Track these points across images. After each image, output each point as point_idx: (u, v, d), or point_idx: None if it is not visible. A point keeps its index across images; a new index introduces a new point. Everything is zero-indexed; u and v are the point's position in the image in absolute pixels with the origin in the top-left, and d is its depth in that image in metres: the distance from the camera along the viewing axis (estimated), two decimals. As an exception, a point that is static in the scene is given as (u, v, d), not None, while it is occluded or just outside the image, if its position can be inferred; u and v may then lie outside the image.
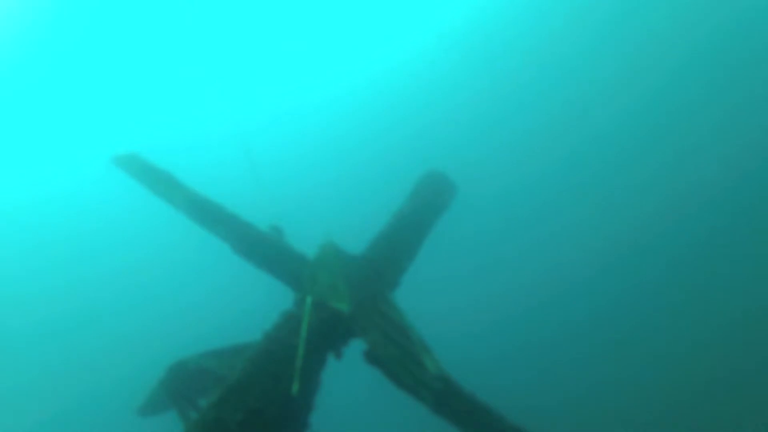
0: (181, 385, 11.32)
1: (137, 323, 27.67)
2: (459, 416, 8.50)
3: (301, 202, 30.36)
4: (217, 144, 34.93)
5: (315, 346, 8.18)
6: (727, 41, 33.15)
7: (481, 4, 38.50)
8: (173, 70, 42.27)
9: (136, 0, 41.82)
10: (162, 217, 12.99)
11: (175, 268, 29.41)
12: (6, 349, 26.23)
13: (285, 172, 33.54)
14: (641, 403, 24.53)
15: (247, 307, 18.97)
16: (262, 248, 10.49)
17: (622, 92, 34.38)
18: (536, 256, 31.08)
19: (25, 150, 37.74)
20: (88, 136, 37.63)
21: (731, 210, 29.50)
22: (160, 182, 11.70)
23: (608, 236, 30.83)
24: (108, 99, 40.73)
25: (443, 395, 8.35)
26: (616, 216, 31.47)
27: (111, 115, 39.60)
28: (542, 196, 33.09)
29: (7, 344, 26.31)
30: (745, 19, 32.73)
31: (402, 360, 8.57)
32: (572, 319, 28.16)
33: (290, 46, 43.87)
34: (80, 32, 41.14)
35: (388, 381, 8.56)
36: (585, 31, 35.84)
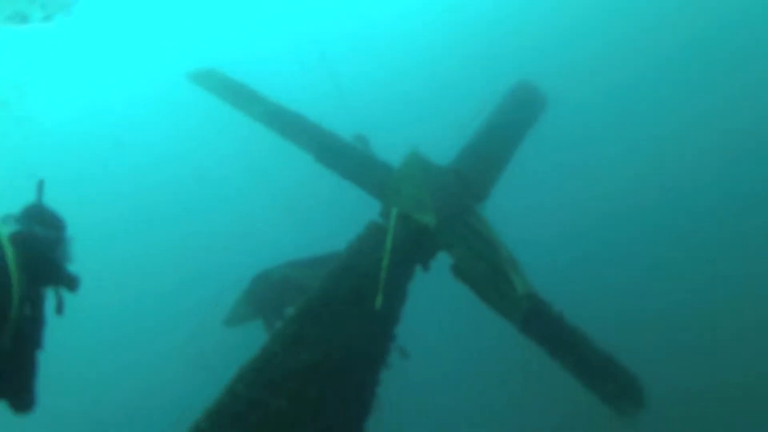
0: (266, 296, 11.57)
1: (220, 235, 28.21)
2: (546, 337, 8.26)
3: (386, 111, 29.81)
4: (296, 54, 34.19)
5: (400, 259, 7.93)
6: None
7: None
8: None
9: None
10: (243, 129, 12.85)
11: (258, 179, 29.53)
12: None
13: (369, 82, 32.86)
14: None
15: (333, 217, 18.87)
16: (345, 157, 10.24)
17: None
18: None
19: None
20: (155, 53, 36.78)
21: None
22: (239, 95, 11.54)
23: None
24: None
25: (530, 315, 8.03)
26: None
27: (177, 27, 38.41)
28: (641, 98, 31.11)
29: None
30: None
31: (489, 276, 8.27)
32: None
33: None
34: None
35: (475, 297, 8.32)
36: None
